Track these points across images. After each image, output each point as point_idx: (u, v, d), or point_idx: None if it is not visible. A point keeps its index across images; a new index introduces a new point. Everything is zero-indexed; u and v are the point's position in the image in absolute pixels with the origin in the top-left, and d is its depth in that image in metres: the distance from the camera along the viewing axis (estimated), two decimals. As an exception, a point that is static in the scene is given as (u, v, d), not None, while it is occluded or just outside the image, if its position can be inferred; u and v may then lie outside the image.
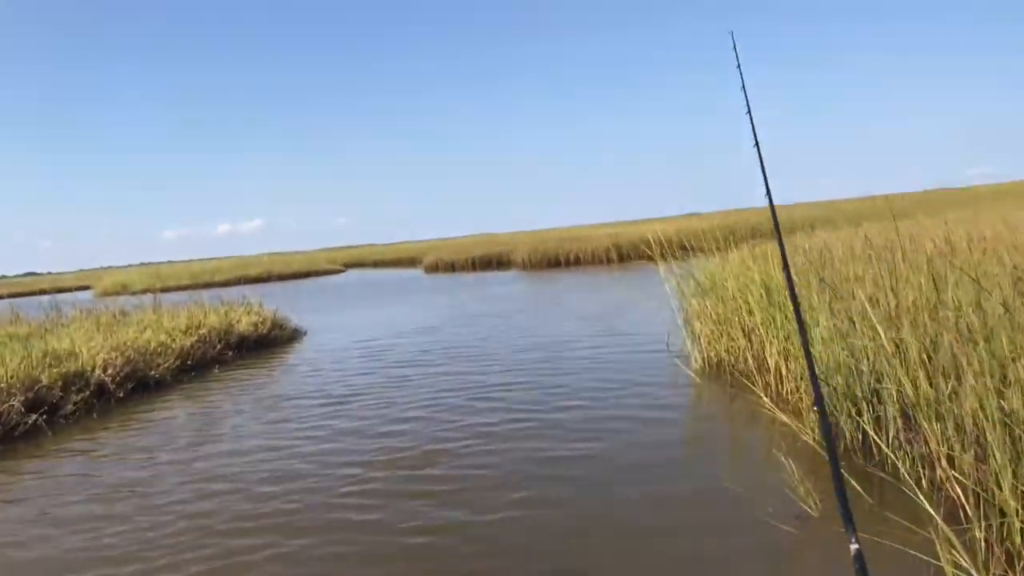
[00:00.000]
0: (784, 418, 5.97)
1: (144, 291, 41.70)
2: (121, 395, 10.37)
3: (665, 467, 5.88)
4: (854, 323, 5.87)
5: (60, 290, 53.94)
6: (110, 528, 5.77)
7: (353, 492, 6.12)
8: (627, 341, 11.63)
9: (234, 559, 4.98)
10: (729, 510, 4.89)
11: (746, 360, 8.29)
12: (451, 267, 40.68)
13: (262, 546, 5.14)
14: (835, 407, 5.62)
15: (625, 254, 33.35)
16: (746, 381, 7.96)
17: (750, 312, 8.30)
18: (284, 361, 13.42)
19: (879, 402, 5.29)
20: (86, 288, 53.00)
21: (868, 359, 5.46)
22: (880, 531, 4.20)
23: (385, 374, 10.95)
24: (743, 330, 8.42)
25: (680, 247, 11.84)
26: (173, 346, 12.22)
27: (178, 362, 11.94)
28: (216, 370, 12.45)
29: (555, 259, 35.01)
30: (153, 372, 11.22)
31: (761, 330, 7.81)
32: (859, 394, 5.45)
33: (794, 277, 7.76)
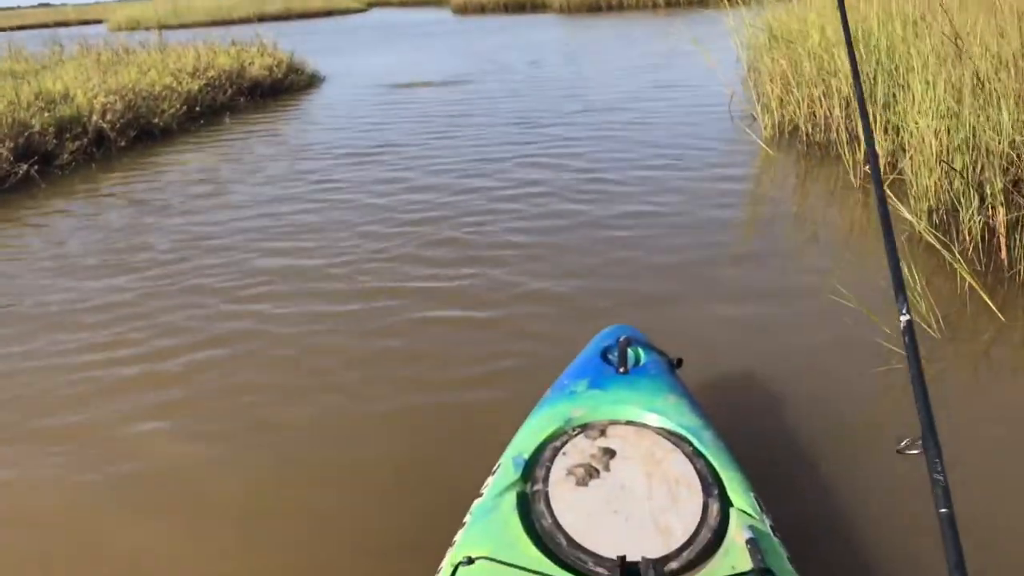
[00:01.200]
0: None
1: (159, 27, 39.62)
2: (123, 144, 9.46)
3: (735, 253, 5.04)
4: (982, 85, 4.72)
5: (72, 23, 51.62)
6: (122, 277, 5.22)
7: (377, 255, 5.42)
8: (683, 99, 10.38)
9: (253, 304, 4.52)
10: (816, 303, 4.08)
11: (828, 130, 7.16)
12: (481, 8, 37.87)
13: (274, 296, 4.56)
14: (958, 198, 4.61)
15: (672, -1, 30.64)
16: (827, 155, 6.92)
17: (835, 73, 7.04)
18: (301, 109, 12.37)
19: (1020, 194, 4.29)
20: (99, 22, 50.54)
21: (1002, 137, 4.39)
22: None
23: (414, 127, 9.94)
24: (827, 94, 7.20)
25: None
26: (179, 90, 11.12)
27: (185, 108, 10.88)
28: (227, 118, 11.43)
29: (596, 2, 32.31)
30: (157, 120, 10.23)
31: (854, 98, 6.59)
32: (989, 184, 4.42)
33: (898, 30, 6.49)
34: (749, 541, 1.65)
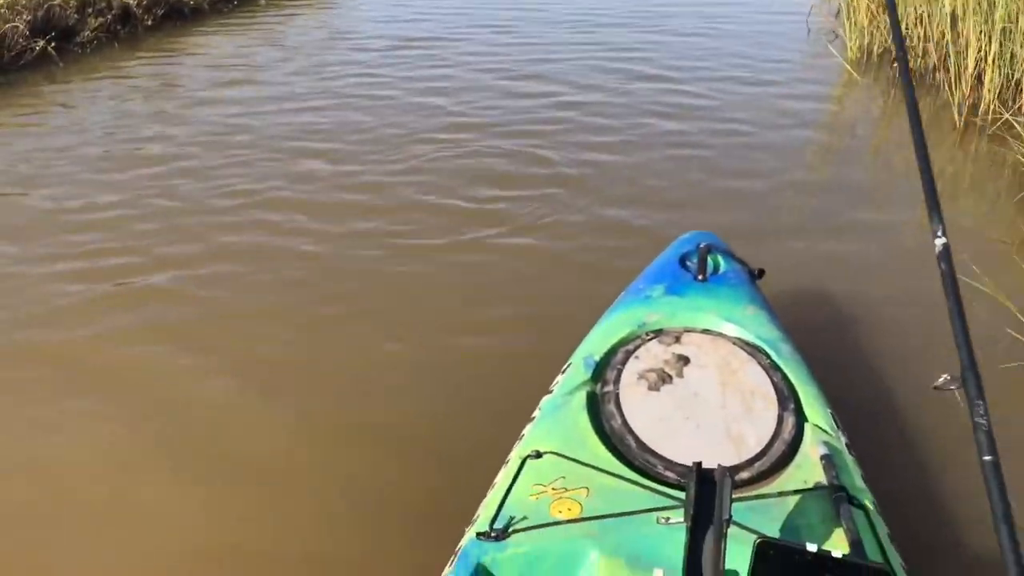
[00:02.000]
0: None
1: None
2: (149, 22, 8.79)
3: (814, 180, 4.50)
4: None
5: None
6: (133, 171, 4.76)
7: (418, 165, 4.94)
8: (755, 8, 9.47)
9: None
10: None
11: (927, 56, 6.36)
12: None
13: (298, 206, 4.16)
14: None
15: None
16: (923, 86, 6.17)
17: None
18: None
19: None
20: None
21: None
22: None
23: (466, 19, 9.14)
24: (930, 15, 6.36)
25: None
26: (213, -34, 10.36)
27: (217, -13, 10.16)
28: (262, 0, 10.68)
29: None
30: (188, -2, 9.54)
31: (962, 19, 5.77)
32: None
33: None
34: (823, 457, 1.62)
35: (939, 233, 1.43)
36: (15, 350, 3.25)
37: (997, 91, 5.24)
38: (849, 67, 6.59)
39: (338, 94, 6.46)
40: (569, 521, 1.53)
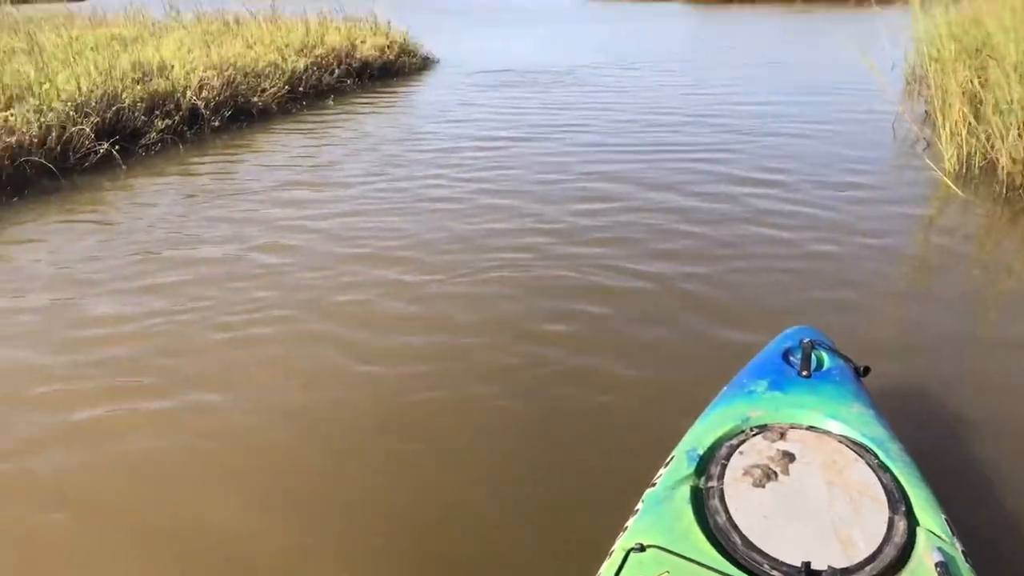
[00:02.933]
0: None
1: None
2: (216, 123, 8.80)
3: (910, 286, 3.92)
4: None
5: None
6: (191, 269, 4.43)
7: (491, 275, 4.68)
8: (835, 107, 9.07)
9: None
10: None
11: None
12: (605, -7, 36.57)
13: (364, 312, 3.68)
14: None
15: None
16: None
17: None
18: (411, 96, 11.53)
19: None
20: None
21: None
22: None
23: (536, 119, 9.00)
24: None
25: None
26: (284, 68, 10.44)
27: (287, 88, 10.19)
28: (331, 100, 10.69)
29: (726, -7, 30.53)
30: (256, 99, 9.55)
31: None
32: None
33: None
34: (939, 564, 1.58)
35: None
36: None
37: None
38: (947, 180, 6.05)
39: (404, 197, 6.22)
40: None
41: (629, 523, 1.87)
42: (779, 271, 4.66)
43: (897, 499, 1.78)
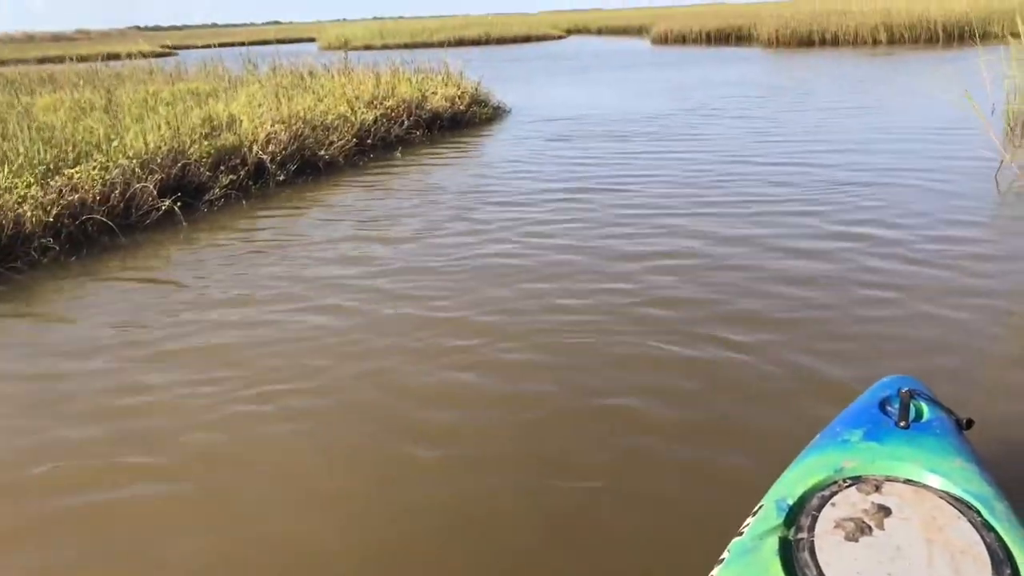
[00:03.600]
0: None
1: (364, 47, 41.15)
2: (281, 177, 8.73)
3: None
4: None
5: (288, 40, 54.49)
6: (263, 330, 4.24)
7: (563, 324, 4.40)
8: (928, 161, 8.43)
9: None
10: None
11: None
12: (682, 39, 36.24)
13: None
14: None
15: (897, 35, 27.60)
16: None
17: None
18: (482, 147, 11.31)
19: None
20: (312, 40, 53.05)
21: None
22: None
23: (610, 171, 8.64)
24: None
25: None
26: (352, 120, 10.38)
27: (355, 141, 10.11)
28: (399, 152, 10.55)
29: (807, 37, 29.74)
30: (323, 152, 9.47)
31: None
32: None
33: None
34: None
35: None
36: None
37: None
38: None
39: (470, 256, 5.92)
40: None
41: (715, 573, 1.83)
42: (877, 333, 4.24)
43: (1001, 560, 1.68)
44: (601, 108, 14.04)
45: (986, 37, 20.31)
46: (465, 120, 12.68)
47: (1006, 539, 1.74)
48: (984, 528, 1.76)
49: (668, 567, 2.64)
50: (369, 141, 10.44)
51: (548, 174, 8.75)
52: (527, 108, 14.55)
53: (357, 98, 11.29)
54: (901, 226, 6.03)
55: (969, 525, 1.77)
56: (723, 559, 1.86)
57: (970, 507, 1.84)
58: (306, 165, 9.21)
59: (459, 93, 12.87)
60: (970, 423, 2.19)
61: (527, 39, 47.41)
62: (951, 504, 1.84)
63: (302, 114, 9.70)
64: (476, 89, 13.58)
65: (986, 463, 2.03)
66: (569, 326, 4.51)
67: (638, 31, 46.44)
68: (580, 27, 58.79)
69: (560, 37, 50.66)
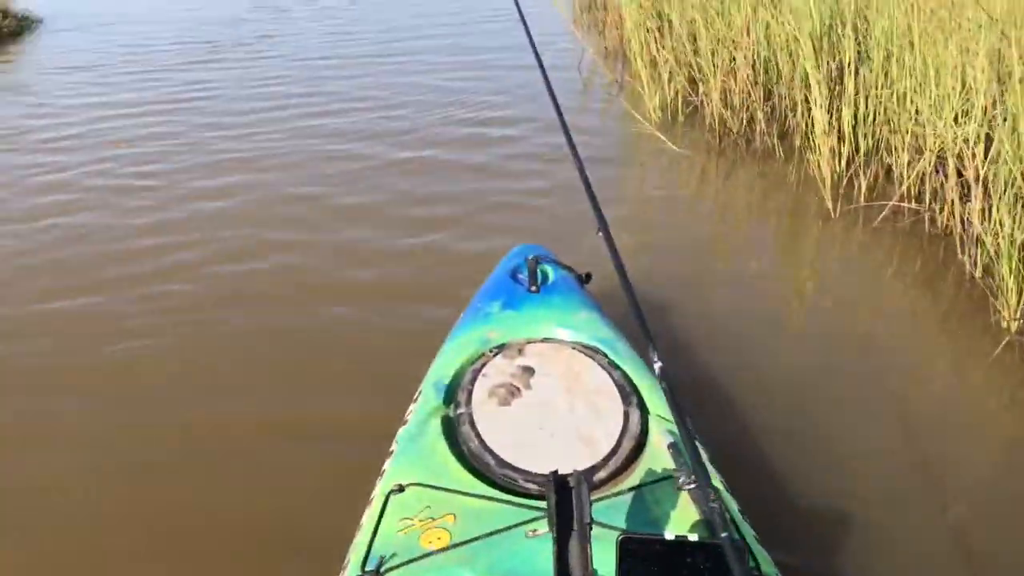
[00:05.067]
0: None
1: None
2: None
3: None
4: None
5: None
6: None
7: None
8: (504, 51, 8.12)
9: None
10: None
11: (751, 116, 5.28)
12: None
13: None
14: None
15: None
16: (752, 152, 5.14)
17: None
18: (8, 71, 8.95)
19: None
20: None
21: None
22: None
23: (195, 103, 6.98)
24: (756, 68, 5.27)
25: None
26: None
27: None
28: None
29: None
30: None
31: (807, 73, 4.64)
32: None
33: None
34: (670, 445, 1.66)
35: (655, 359, 1.53)
36: None
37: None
38: (657, 131, 5.37)
39: None
40: (440, 550, 1.55)
41: (386, 465, 1.86)
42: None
43: (629, 392, 1.89)
44: (156, 18, 11.96)
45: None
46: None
47: (630, 374, 1.96)
48: (612, 368, 1.98)
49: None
50: None
51: (86, 110, 6.88)
52: (64, 18, 11.83)
53: None
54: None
55: (600, 368, 1.97)
56: (392, 450, 1.90)
57: (598, 352, 2.04)
58: None
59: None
60: (588, 277, 2.37)
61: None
62: (583, 352, 2.03)
63: None
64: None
65: (606, 311, 2.24)
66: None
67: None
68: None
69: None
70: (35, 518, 2.51)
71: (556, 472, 1.49)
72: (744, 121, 5.21)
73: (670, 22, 6.03)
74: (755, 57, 5.16)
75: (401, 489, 1.69)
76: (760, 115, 5.08)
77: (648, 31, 6.09)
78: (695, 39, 5.67)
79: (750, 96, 5.14)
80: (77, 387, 3.12)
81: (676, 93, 5.73)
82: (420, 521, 1.61)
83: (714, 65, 5.24)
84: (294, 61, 8.29)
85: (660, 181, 5.03)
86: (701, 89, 5.50)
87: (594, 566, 1.27)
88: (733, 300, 3.62)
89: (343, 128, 6.00)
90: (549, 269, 2.37)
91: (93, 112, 6.74)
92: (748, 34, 5.12)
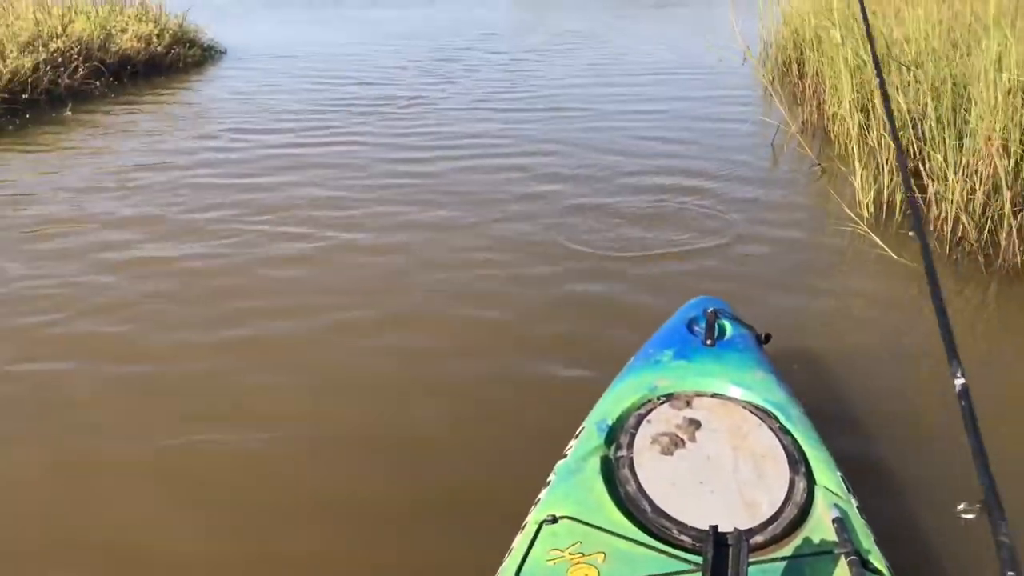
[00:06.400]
0: None
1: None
2: None
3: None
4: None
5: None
6: None
7: None
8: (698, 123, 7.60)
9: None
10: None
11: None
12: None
13: None
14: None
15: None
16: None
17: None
18: (185, 102, 9.09)
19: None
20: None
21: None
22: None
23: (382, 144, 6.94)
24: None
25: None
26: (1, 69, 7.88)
27: (5, 96, 7.65)
28: (68, 110, 8.17)
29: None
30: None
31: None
32: None
33: None
34: (835, 520, 1.62)
35: (957, 374, 1.42)
36: None
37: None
38: (872, 234, 4.56)
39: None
40: None
41: (542, 495, 1.86)
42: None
43: (797, 460, 1.83)
44: (333, 48, 12.13)
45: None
46: (167, 64, 10.34)
47: (800, 441, 1.92)
48: (782, 432, 1.93)
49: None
50: (25, 96, 7.97)
51: (267, 145, 6.95)
52: (249, 48, 12.18)
53: (15, 35, 8.69)
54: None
55: (769, 431, 1.93)
56: (550, 481, 1.91)
57: (769, 414, 2.01)
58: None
59: (156, 30, 10.48)
60: (768, 337, 2.35)
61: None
62: (753, 413, 2.00)
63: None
64: (181, 24, 11.20)
65: (782, 373, 2.20)
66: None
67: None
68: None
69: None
70: None
71: (716, 528, 1.48)
72: (986, 229, 4.33)
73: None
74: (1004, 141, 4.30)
75: (554, 520, 1.70)
76: (1012, 223, 4.17)
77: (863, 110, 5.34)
78: (922, 122, 4.89)
79: (996, 200, 4.27)
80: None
81: (895, 186, 4.93)
82: (570, 554, 1.61)
83: (954, 160, 4.40)
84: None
85: (871, 287, 4.24)
86: (930, 186, 4.65)
87: None
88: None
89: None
90: (728, 324, 2.33)
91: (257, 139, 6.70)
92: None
